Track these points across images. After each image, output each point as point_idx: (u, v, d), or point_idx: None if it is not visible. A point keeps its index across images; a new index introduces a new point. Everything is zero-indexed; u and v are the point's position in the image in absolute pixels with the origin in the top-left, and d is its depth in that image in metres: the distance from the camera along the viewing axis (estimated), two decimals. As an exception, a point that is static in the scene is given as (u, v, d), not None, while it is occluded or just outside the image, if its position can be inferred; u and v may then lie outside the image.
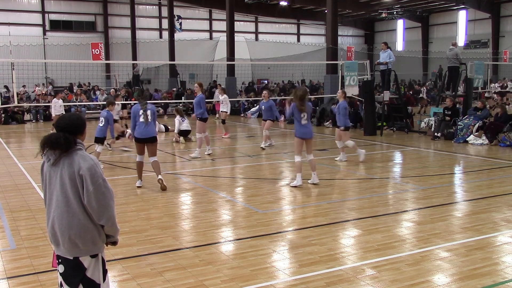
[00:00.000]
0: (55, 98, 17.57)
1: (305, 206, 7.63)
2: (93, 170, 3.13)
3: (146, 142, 8.77)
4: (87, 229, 3.17)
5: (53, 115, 17.65)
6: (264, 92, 14.14)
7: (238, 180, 9.70)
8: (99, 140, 10.86)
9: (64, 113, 16.87)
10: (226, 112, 16.80)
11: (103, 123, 10.82)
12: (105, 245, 3.35)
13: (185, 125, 15.48)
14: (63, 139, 3.15)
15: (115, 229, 3.29)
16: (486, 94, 25.32)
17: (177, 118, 15.64)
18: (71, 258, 3.19)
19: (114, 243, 3.41)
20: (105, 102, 23.36)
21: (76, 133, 3.25)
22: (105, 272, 3.31)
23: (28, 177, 9.89)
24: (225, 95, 17.05)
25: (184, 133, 15.63)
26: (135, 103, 9.10)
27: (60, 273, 3.26)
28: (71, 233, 3.14)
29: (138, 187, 8.93)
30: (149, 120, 8.71)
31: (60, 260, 3.24)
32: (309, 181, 9.07)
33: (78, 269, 3.20)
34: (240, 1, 35.22)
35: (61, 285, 3.29)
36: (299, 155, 8.91)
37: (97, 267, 3.24)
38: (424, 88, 31.99)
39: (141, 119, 8.68)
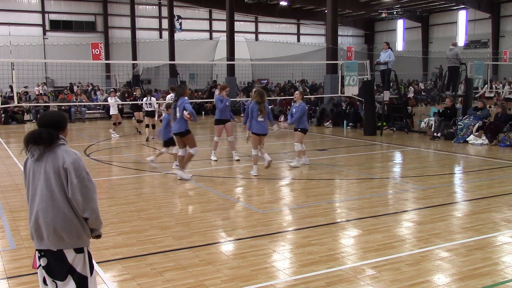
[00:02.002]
0: (109, 97, 17.38)
1: (305, 206, 7.63)
2: (76, 163, 3.21)
3: (178, 136, 9.55)
4: (72, 222, 3.24)
5: (110, 112, 17.43)
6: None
7: (238, 180, 9.70)
8: (166, 143, 10.69)
9: (117, 112, 17.05)
10: None
11: (164, 125, 10.68)
12: (89, 239, 3.41)
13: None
14: (46, 134, 3.22)
15: (99, 222, 3.36)
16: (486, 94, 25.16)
17: (168, 96, 16.68)
18: (55, 250, 3.24)
19: (98, 236, 3.48)
20: (104, 102, 23.56)
21: (58, 129, 3.32)
22: (92, 266, 3.37)
23: (28, 177, 9.87)
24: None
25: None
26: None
27: (43, 266, 3.30)
28: (56, 226, 3.20)
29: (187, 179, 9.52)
30: (177, 117, 9.41)
31: (42, 253, 3.29)
32: (251, 172, 9.96)
33: (61, 261, 3.25)
34: (240, 1, 35.20)
35: (44, 281, 3.33)
36: (256, 149, 9.91)
37: (84, 262, 3.31)
38: (412, 88, 31.51)
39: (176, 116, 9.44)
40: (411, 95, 29.08)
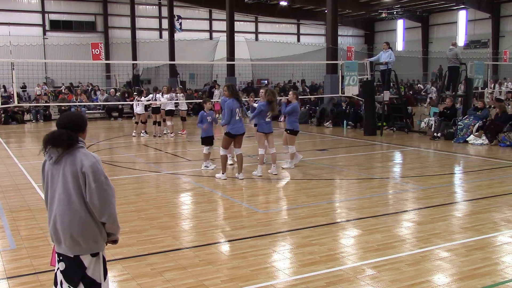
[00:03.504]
0: (142, 96, 17.15)
1: (305, 206, 7.63)
2: (95, 167, 3.15)
3: (240, 136, 9.55)
4: (89, 226, 3.19)
5: (138, 112, 17.03)
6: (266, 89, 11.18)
7: (238, 180, 9.69)
8: (204, 141, 10.49)
9: (144, 112, 16.95)
10: (185, 110, 18.34)
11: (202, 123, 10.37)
12: (105, 244, 3.36)
13: (169, 105, 16.79)
14: (66, 136, 3.16)
15: (116, 227, 3.30)
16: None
17: (166, 96, 16.83)
18: (72, 256, 3.21)
19: (115, 241, 3.43)
20: (106, 102, 23.57)
21: (77, 131, 3.26)
22: (105, 271, 3.33)
23: (28, 177, 9.89)
24: (182, 94, 18.27)
25: (169, 113, 16.82)
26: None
27: (61, 270, 3.27)
28: (73, 231, 3.16)
29: (223, 179, 9.53)
30: (238, 117, 9.40)
31: (61, 258, 3.26)
32: (269, 170, 10.01)
33: (78, 267, 3.21)
34: (240, 1, 35.20)
35: (61, 283, 3.29)
36: (263, 148, 9.92)
37: (97, 266, 3.26)
38: (433, 87, 30.12)
39: (237, 116, 9.34)
40: (433, 95, 27.93)
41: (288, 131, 10.48)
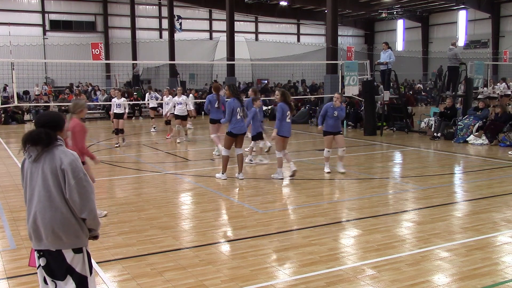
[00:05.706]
0: (170, 96, 17.08)
1: (305, 206, 7.63)
2: (74, 164, 3.22)
3: (241, 135, 9.52)
4: (70, 222, 3.25)
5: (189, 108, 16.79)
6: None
7: (238, 180, 9.70)
8: (256, 137, 10.92)
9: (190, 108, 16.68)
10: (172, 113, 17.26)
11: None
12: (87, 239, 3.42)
13: (178, 107, 16.01)
14: (44, 135, 3.23)
15: (97, 223, 3.36)
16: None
17: (169, 98, 16.61)
18: (54, 250, 3.26)
19: (96, 237, 3.49)
20: (105, 102, 23.54)
21: (56, 129, 3.33)
22: (90, 266, 3.39)
23: (28, 177, 9.87)
24: (170, 96, 17.30)
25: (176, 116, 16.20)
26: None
27: (42, 266, 3.31)
28: (54, 226, 3.22)
29: (223, 179, 9.48)
30: (240, 116, 9.38)
31: (41, 253, 3.30)
32: (272, 175, 9.74)
33: (60, 261, 3.26)
34: (240, 1, 35.19)
35: (45, 280, 3.34)
36: (280, 151, 9.56)
37: (83, 261, 3.33)
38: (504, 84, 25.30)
39: (238, 116, 9.32)
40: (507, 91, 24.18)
41: (342, 133, 10.50)
